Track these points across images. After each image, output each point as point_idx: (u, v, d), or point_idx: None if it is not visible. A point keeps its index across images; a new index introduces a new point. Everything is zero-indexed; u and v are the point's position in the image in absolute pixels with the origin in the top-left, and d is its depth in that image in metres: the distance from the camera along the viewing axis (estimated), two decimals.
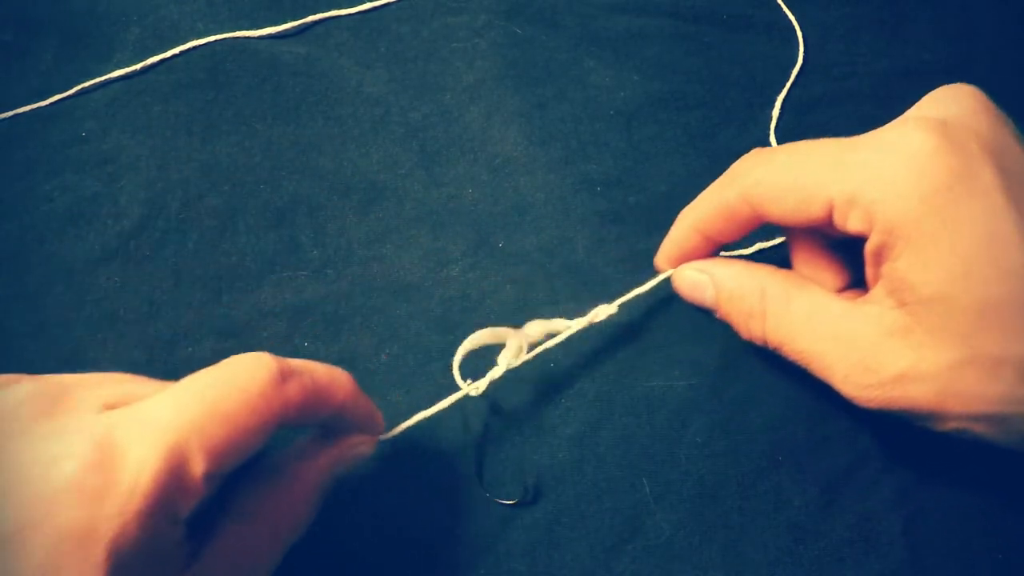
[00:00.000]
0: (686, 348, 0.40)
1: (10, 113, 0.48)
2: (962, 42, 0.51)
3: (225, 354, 0.40)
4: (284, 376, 0.29)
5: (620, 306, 0.39)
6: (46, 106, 0.48)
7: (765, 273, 0.37)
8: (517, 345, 0.36)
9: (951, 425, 0.32)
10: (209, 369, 0.28)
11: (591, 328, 0.40)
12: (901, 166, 0.31)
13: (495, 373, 0.36)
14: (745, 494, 0.37)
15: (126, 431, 0.26)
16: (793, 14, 0.51)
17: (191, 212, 0.44)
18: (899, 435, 0.38)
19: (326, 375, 0.31)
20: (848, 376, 0.33)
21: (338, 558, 0.35)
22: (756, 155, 0.36)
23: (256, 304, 0.42)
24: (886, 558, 0.36)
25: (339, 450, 0.32)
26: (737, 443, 0.38)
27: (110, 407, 0.27)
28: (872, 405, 0.33)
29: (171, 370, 0.40)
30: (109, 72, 0.49)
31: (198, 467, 0.26)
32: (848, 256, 0.37)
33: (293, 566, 0.31)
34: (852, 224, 0.33)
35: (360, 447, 0.33)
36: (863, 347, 0.33)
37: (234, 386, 0.28)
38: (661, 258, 0.40)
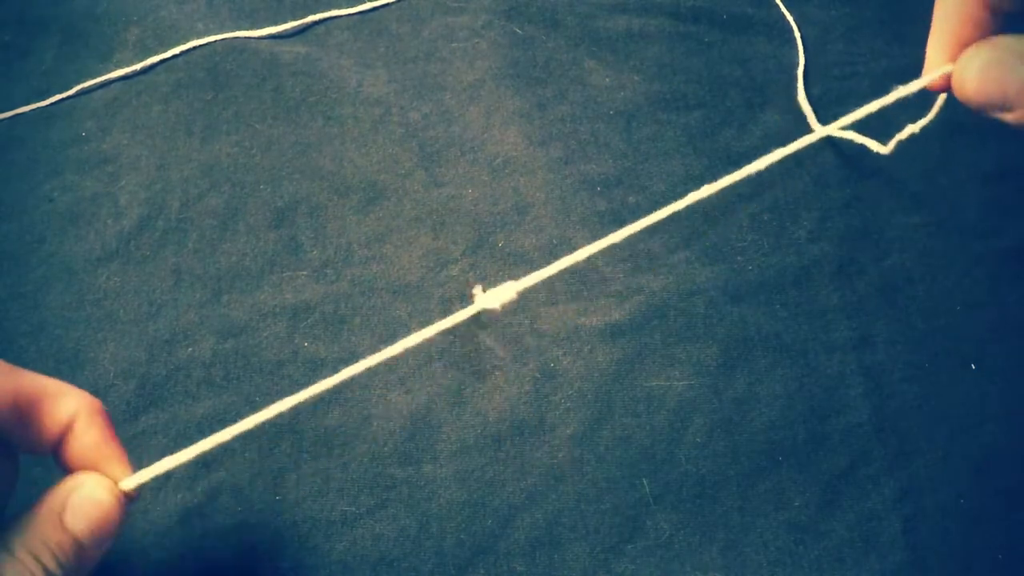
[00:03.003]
0: (686, 348, 0.40)
1: (10, 113, 0.48)
2: None
3: (225, 354, 0.41)
4: None
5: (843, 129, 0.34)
6: (46, 106, 0.48)
7: None
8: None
9: None
10: None
11: (591, 328, 0.40)
12: None
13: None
14: (745, 494, 0.37)
15: None
16: (793, 14, 0.51)
17: (191, 212, 0.44)
18: (899, 435, 0.38)
19: (52, 384, 0.27)
20: None
21: None
22: None
23: (256, 304, 0.42)
24: (886, 558, 0.36)
25: (63, 491, 0.27)
26: (737, 443, 0.38)
27: None
28: None
29: (171, 370, 0.40)
30: (109, 72, 0.49)
31: None
32: None
33: None
34: None
35: (89, 488, 0.27)
36: None
37: None
38: (932, 50, 0.29)
